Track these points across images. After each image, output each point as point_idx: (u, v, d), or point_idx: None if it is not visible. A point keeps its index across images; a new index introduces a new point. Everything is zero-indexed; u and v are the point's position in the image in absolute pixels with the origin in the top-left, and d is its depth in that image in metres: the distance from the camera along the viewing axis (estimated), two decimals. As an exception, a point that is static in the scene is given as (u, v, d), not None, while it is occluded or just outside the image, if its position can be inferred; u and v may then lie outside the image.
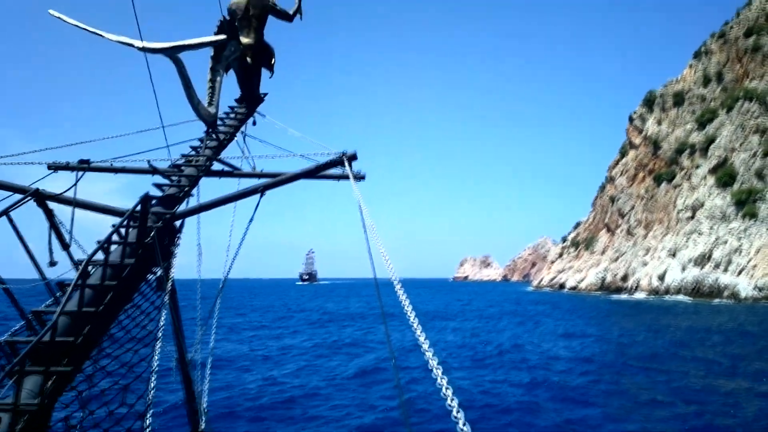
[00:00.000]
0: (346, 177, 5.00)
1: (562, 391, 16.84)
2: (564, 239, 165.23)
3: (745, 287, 77.90)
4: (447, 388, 2.78)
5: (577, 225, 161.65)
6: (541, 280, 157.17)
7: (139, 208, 4.07)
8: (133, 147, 5.49)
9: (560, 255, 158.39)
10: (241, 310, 57.03)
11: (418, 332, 3.16)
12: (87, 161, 5.03)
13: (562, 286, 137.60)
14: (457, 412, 2.64)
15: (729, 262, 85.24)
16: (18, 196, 4.26)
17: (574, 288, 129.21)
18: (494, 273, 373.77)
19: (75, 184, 4.58)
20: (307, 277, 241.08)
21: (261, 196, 5.00)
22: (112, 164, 5.16)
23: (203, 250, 6.38)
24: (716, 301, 77.80)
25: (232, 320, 40.84)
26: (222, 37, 5.46)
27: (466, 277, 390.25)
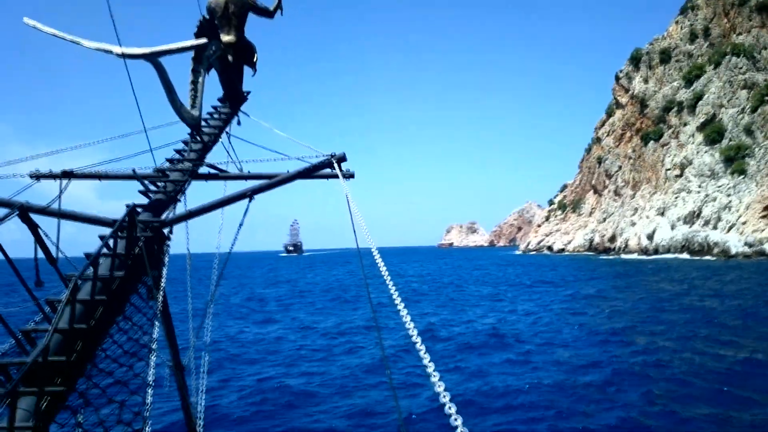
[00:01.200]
0: (336, 176, 4.99)
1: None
2: (550, 202, 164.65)
3: (735, 244, 77.54)
4: (444, 394, 2.67)
5: (564, 188, 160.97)
6: (528, 243, 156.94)
7: (126, 220, 4.06)
8: (116, 153, 5.67)
9: (547, 218, 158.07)
10: (239, 291, 54.98)
11: (415, 339, 3.07)
12: (70, 171, 4.92)
13: (549, 248, 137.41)
14: (455, 419, 2.56)
15: (718, 219, 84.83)
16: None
17: (561, 250, 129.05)
18: (481, 239, 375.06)
19: (60, 195, 4.43)
20: (292, 248, 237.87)
21: (250, 201, 4.93)
22: (94, 171, 5.04)
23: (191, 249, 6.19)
24: (707, 257, 77.56)
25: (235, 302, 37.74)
26: (203, 40, 5.36)
27: (450, 244, 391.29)
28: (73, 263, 4.17)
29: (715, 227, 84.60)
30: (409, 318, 3.12)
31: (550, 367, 15.26)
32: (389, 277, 3.63)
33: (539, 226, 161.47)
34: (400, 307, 3.24)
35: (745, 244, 77.09)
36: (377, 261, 3.89)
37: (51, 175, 4.92)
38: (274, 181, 5.02)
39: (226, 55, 6.29)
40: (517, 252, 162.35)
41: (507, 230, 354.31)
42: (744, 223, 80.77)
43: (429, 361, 2.84)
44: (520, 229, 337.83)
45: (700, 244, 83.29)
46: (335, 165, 5.00)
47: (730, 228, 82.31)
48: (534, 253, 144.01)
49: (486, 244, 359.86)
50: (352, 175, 5.11)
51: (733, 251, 76.70)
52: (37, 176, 4.95)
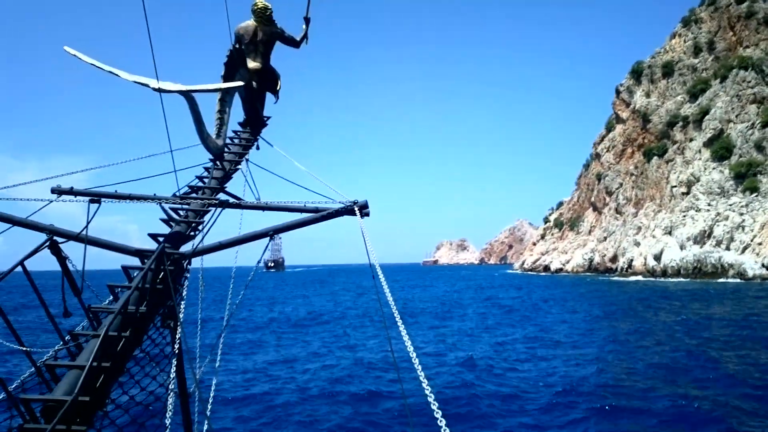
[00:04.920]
0: (353, 213, 4.93)
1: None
2: (546, 220, 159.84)
3: (752, 266, 72.64)
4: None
5: (560, 205, 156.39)
6: (524, 262, 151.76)
7: (154, 259, 4.06)
8: (139, 175, 5.44)
9: (543, 236, 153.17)
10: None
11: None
12: (97, 192, 4.87)
13: (546, 268, 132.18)
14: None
15: (731, 240, 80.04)
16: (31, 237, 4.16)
17: (559, 270, 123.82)
18: (471, 256, 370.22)
19: (89, 221, 4.38)
20: (272, 264, 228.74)
21: (270, 240, 4.85)
22: (117, 191, 4.93)
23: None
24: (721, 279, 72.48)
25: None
26: (239, 83, 5.83)
27: (435, 262, 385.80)
28: (98, 295, 4.29)
29: (728, 248, 79.75)
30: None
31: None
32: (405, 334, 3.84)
33: (534, 244, 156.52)
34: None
35: (763, 266, 72.29)
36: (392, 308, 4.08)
37: (72, 192, 4.81)
38: (295, 223, 4.85)
39: (250, 81, 6.44)
40: (512, 271, 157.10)
41: (498, 248, 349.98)
42: (760, 243, 76.06)
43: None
44: (511, 247, 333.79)
45: (713, 265, 78.26)
46: (357, 213, 4.87)
47: (745, 249, 77.53)
48: (530, 272, 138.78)
49: (476, 262, 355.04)
50: (368, 214, 4.96)
51: (750, 274, 71.77)
52: (60, 192, 4.86)
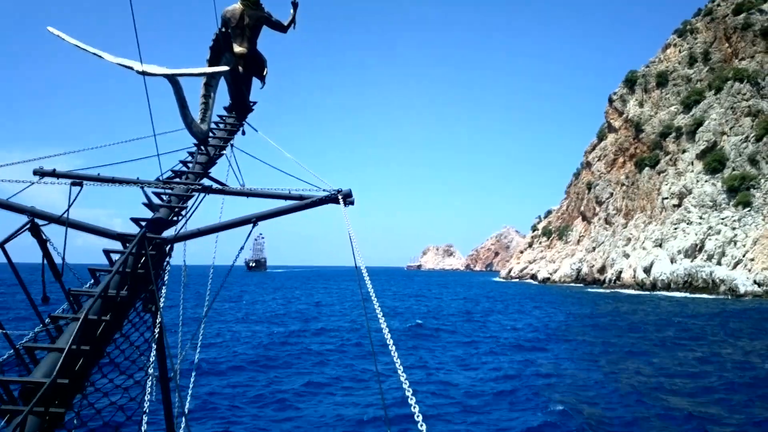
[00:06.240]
0: (336, 202, 4.88)
1: None
2: (534, 228, 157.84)
3: (744, 282, 70.76)
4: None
5: (548, 213, 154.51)
6: (510, 270, 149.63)
7: (136, 242, 4.09)
8: (121, 158, 5.35)
9: (530, 244, 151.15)
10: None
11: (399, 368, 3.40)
12: (78, 175, 4.77)
13: (533, 277, 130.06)
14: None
15: (723, 254, 78.20)
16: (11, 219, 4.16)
17: (546, 279, 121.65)
18: (457, 262, 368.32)
19: (71, 203, 4.29)
20: (254, 264, 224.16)
21: (254, 226, 4.76)
22: (99, 174, 4.85)
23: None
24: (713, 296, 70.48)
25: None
26: (225, 68, 5.53)
27: (419, 266, 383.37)
28: (80, 278, 4.16)
29: (719, 263, 77.87)
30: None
31: None
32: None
33: (522, 252, 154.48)
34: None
35: (755, 282, 70.44)
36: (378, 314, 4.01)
37: (55, 174, 4.69)
38: (278, 210, 4.82)
39: (236, 65, 6.30)
40: (498, 279, 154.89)
41: (484, 254, 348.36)
42: (752, 259, 74.20)
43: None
44: (497, 254, 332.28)
45: (704, 280, 76.29)
46: (341, 201, 4.83)
47: (736, 264, 75.68)
48: (516, 280, 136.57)
49: (462, 268, 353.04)
50: (353, 203, 4.92)
51: (742, 290, 69.84)
52: (42, 173, 4.75)
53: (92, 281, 3.97)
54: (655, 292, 79.40)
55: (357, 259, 4.54)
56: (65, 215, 4.16)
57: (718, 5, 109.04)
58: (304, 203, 4.82)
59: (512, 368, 20.41)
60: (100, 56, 3.96)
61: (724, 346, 26.20)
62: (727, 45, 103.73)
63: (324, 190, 4.90)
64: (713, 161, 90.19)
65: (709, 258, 79.21)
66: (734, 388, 17.06)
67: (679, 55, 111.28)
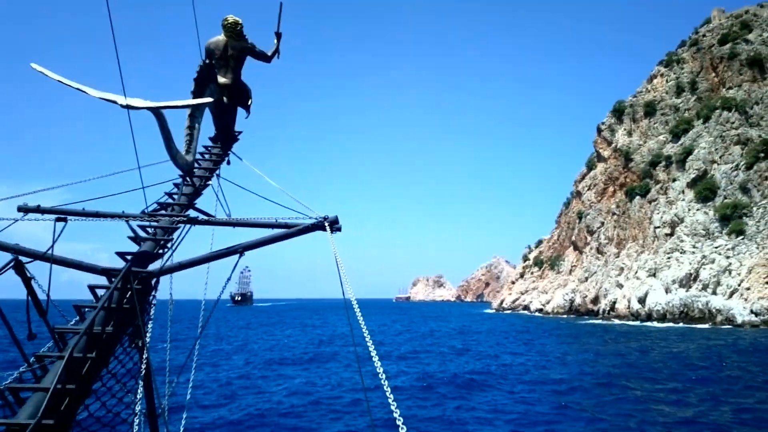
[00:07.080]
0: (323, 229, 4.83)
1: None
2: (525, 258, 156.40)
3: (740, 311, 69.28)
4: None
5: (539, 243, 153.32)
6: (502, 301, 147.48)
7: (121, 278, 4.04)
8: (106, 192, 5.34)
9: (522, 275, 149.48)
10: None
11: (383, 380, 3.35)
12: (62, 210, 4.72)
13: (526, 308, 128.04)
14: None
15: (718, 284, 76.88)
16: None
17: (539, 310, 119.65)
18: (447, 293, 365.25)
19: (56, 240, 4.23)
20: (239, 298, 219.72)
21: (240, 257, 4.71)
22: (84, 209, 4.80)
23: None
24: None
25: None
26: (209, 99, 5.47)
27: (407, 298, 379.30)
28: (65, 315, 4.07)
29: (714, 292, 76.50)
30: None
31: None
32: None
33: (513, 282, 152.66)
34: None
35: (751, 312, 69.01)
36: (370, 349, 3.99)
37: (40, 210, 4.64)
38: (265, 239, 4.76)
39: (221, 96, 6.29)
40: (489, 310, 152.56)
41: (474, 285, 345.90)
42: (748, 288, 72.92)
43: None
44: (487, 284, 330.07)
45: (700, 310, 74.73)
46: (327, 228, 4.78)
47: (732, 293, 74.33)
48: (509, 311, 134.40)
49: (453, 299, 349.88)
50: (339, 229, 4.85)
51: (739, 320, 68.33)
52: (26, 210, 4.70)
53: (77, 318, 3.90)
54: (650, 323, 77.67)
55: (346, 288, 4.41)
56: (50, 252, 4.09)
57: (704, 36, 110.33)
58: (292, 231, 4.77)
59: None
60: (83, 91, 3.94)
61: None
62: (713, 74, 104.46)
63: (311, 218, 4.86)
64: (704, 189, 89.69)
65: (704, 287, 77.87)
66: None
67: (666, 84, 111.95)
